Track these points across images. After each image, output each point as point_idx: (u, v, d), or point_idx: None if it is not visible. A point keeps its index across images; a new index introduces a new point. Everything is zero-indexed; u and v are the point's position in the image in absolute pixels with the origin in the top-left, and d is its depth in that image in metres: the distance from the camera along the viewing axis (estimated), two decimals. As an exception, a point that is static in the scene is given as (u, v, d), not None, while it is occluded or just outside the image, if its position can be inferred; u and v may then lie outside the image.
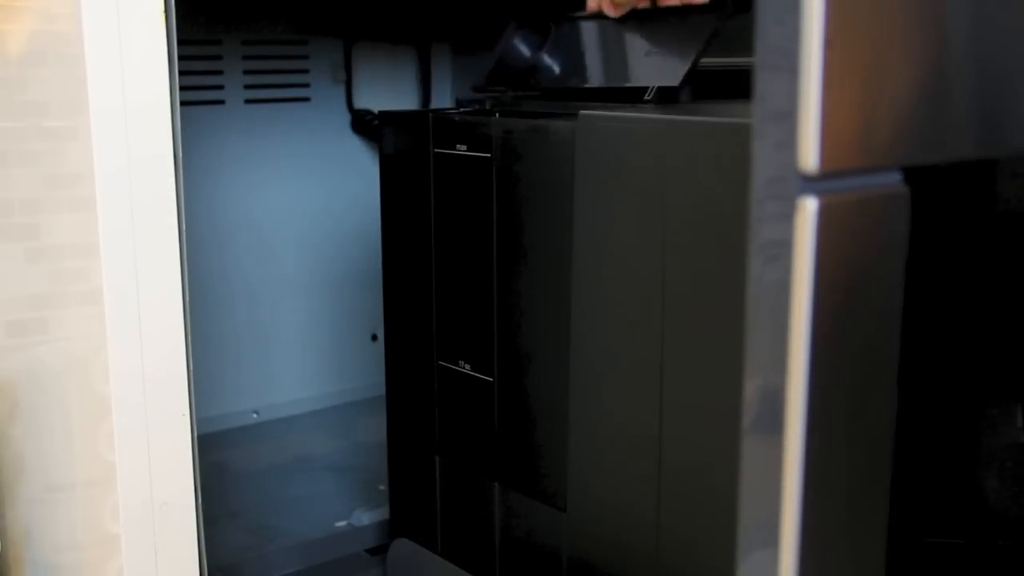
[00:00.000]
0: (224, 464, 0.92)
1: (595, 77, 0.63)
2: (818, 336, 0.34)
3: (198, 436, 0.57)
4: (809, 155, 0.32)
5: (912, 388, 0.41)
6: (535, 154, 0.56)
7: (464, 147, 0.61)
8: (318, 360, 1.07)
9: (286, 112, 1.02)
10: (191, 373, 0.56)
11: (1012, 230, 0.55)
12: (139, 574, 0.56)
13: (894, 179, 0.35)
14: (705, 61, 0.59)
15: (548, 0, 0.66)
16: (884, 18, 0.33)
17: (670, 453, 0.50)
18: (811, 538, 0.35)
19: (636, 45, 0.61)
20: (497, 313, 0.60)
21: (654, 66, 0.59)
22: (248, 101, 0.99)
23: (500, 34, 0.68)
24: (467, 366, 0.63)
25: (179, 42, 0.54)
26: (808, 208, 0.33)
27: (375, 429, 0.83)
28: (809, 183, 0.33)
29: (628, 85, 0.60)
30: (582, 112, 0.53)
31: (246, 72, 0.99)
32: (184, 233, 0.55)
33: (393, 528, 0.72)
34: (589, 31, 0.64)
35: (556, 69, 0.65)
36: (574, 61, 0.64)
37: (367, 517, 0.81)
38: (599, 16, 0.63)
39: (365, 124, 1.06)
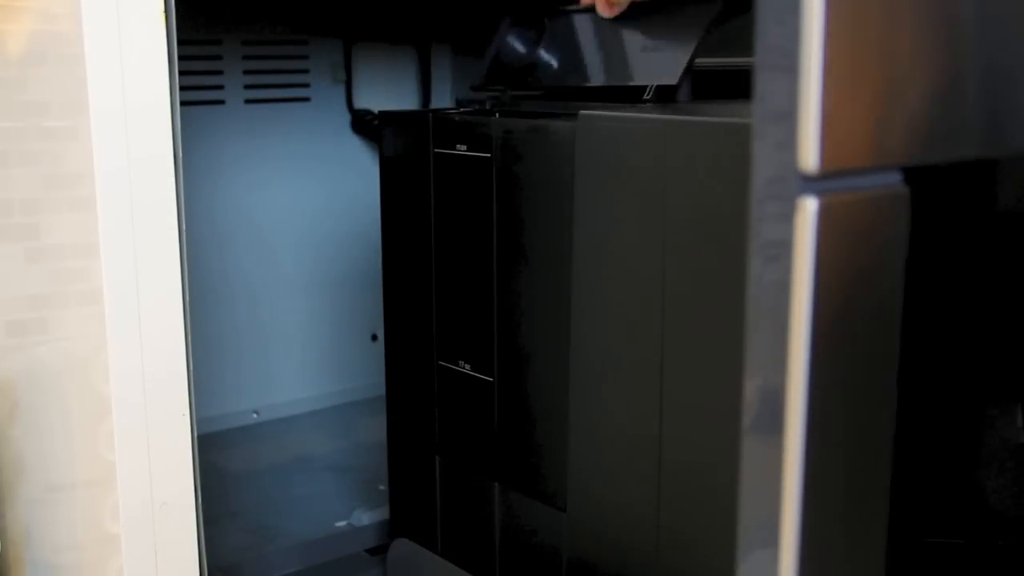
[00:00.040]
0: (224, 464, 0.92)
1: (592, 75, 0.63)
2: (818, 336, 0.34)
3: (198, 436, 0.57)
4: (809, 155, 0.32)
5: (912, 388, 0.41)
6: (535, 154, 0.56)
7: (464, 147, 0.61)
8: (318, 360, 1.07)
9: (286, 112, 1.02)
10: (191, 373, 0.56)
11: (1012, 230, 0.55)
12: (139, 574, 0.56)
13: (894, 179, 0.35)
14: (705, 61, 0.59)
15: None
16: (884, 18, 0.33)
17: (670, 453, 0.50)
18: (811, 538, 0.35)
19: (631, 40, 0.61)
20: (497, 313, 0.60)
21: (652, 63, 0.59)
22: (248, 101, 0.99)
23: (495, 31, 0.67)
24: (467, 366, 0.63)
25: (179, 42, 0.54)
26: (808, 208, 0.33)
27: (375, 429, 0.83)
28: (809, 183, 0.33)
29: (626, 84, 0.60)
30: (582, 112, 0.53)
31: (246, 72, 0.99)
32: (184, 233, 0.55)
33: (393, 528, 0.72)
34: (584, 26, 0.64)
35: (553, 67, 0.65)
36: (571, 58, 0.64)
37: (367, 517, 0.81)
38: (592, 8, 0.63)
39: (365, 124, 1.06)
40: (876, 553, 0.38)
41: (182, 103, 0.54)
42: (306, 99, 1.03)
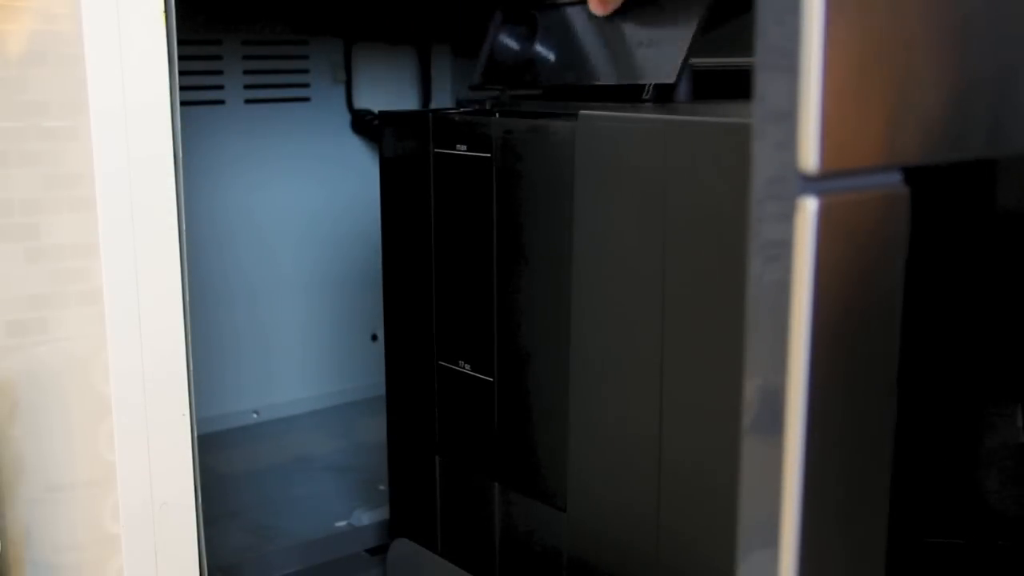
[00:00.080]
0: (224, 464, 0.92)
1: (588, 73, 0.62)
2: (818, 336, 0.34)
3: (198, 436, 0.57)
4: (809, 155, 0.32)
5: (912, 388, 0.41)
6: (535, 154, 0.56)
7: (464, 147, 0.61)
8: (318, 360, 1.07)
9: (286, 112, 1.02)
10: (191, 373, 0.56)
11: (1012, 230, 0.55)
12: (139, 574, 0.56)
13: (894, 179, 0.35)
14: (705, 61, 0.59)
15: None
16: (884, 18, 0.33)
17: (670, 453, 0.50)
18: (811, 538, 0.35)
19: (626, 36, 0.60)
20: (497, 313, 0.60)
21: (648, 59, 0.59)
22: (248, 101, 0.99)
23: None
24: (467, 366, 0.63)
25: (179, 42, 0.54)
26: (808, 208, 0.33)
27: (375, 429, 0.83)
28: (809, 183, 0.33)
29: (623, 82, 0.60)
30: (582, 112, 0.53)
31: (246, 72, 0.99)
32: (184, 233, 0.55)
33: (393, 528, 0.72)
34: (577, 21, 0.63)
35: (548, 65, 0.64)
36: (566, 56, 0.64)
37: (367, 517, 0.81)
38: (583, 1, 0.62)
39: (365, 124, 1.06)
40: (876, 553, 0.38)
41: (182, 103, 0.54)
42: (306, 99, 1.03)
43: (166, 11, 0.53)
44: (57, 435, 0.54)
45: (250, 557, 0.76)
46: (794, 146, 0.33)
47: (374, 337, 1.09)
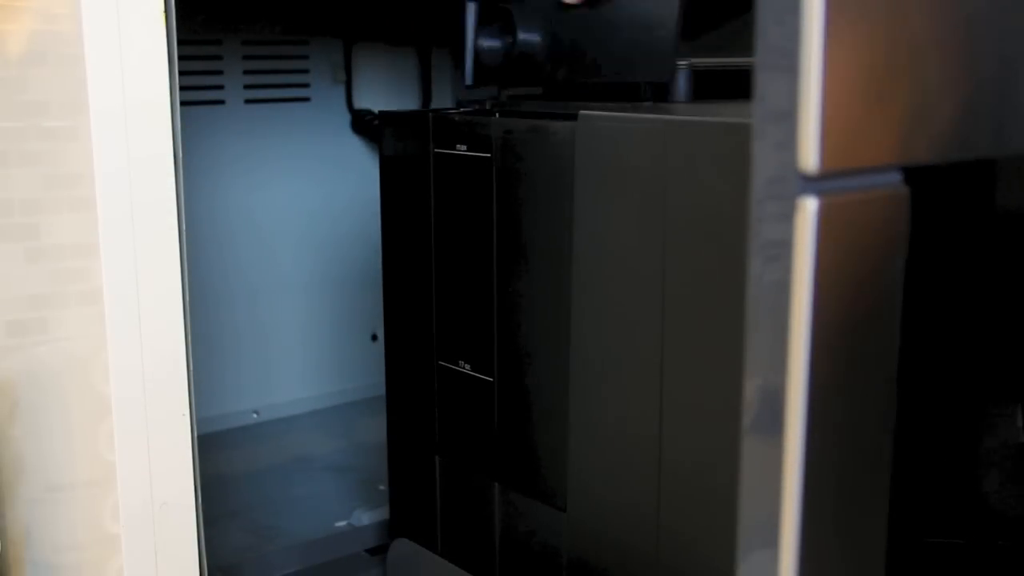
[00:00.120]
0: (224, 464, 0.92)
1: (580, 72, 0.62)
2: (818, 336, 0.34)
3: (198, 436, 0.57)
4: (809, 155, 0.32)
5: (912, 388, 0.41)
6: (535, 154, 0.56)
7: (464, 147, 0.61)
8: (318, 360, 1.07)
9: (286, 112, 1.02)
10: (191, 373, 0.56)
11: (1012, 230, 0.55)
12: (139, 574, 0.56)
13: (894, 179, 0.35)
14: (705, 61, 0.59)
15: None
16: (884, 18, 0.33)
17: (670, 453, 0.50)
18: (811, 538, 0.35)
19: (609, 28, 0.60)
20: (497, 313, 0.60)
21: (639, 54, 0.58)
22: (248, 101, 0.99)
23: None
24: (467, 366, 0.63)
25: (179, 42, 0.54)
26: (808, 208, 0.33)
27: (375, 429, 0.83)
28: (809, 183, 0.33)
29: (617, 81, 0.60)
30: (582, 112, 0.53)
31: (246, 72, 0.99)
32: (184, 233, 0.55)
33: (393, 528, 0.72)
34: (554, 13, 0.63)
35: (536, 63, 0.64)
36: (552, 52, 0.63)
37: (367, 517, 0.81)
38: None
39: (365, 124, 1.06)
40: (876, 553, 0.38)
41: (182, 103, 0.54)
42: (306, 99, 1.03)
43: (166, 11, 0.53)
44: (57, 435, 0.54)
45: (250, 557, 0.76)
46: (794, 146, 0.33)
47: (374, 337, 1.09)
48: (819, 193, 0.33)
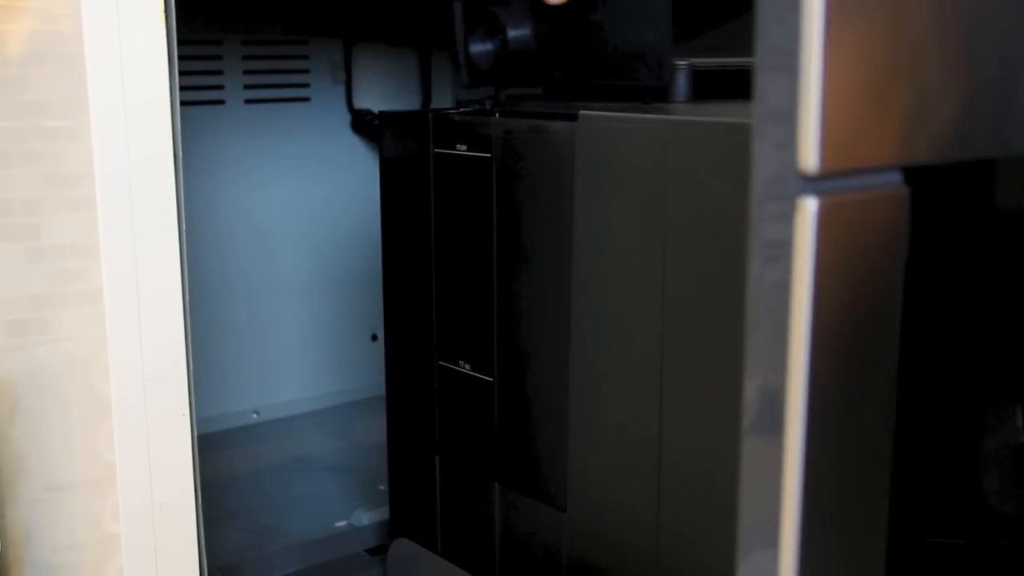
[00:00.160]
0: (224, 464, 0.92)
1: (572, 73, 0.62)
2: (818, 336, 0.34)
3: (198, 436, 0.57)
4: (809, 155, 0.32)
5: (912, 388, 0.41)
6: (535, 154, 0.56)
7: (464, 147, 0.61)
8: (318, 360, 1.07)
9: (286, 112, 1.02)
10: (191, 373, 0.56)
11: (1012, 230, 0.55)
12: (139, 574, 0.56)
13: (894, 179, 0.35)
14: (705, 61, 0.59)
15: None
16: (884, 18, 0.33)
17: (670, 453, 0.50)
18: (811, 538, 0.35)
19: (599, 29, 0.60)
20: (497, 313, 0.60)
21: (630, 55, 0.58)
22: (248, 101, 0.99)
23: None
24: (467, 366, 0.63)
25: (179, 42, 0.54)
26: (808, 208, 0.33)
27: (375, 429, 0.83)
28: (809, 183, 0.33)
29: (614, 83, 0.60)
30: (582, 112, 0.53)
31: (246, 72, 0.99)
32: (184, 233, 0.55)
33: (393, 528, 0.72)
34: (540, 15, 0.62)
35: (529, 67, 0.64)
36: (543, 53, 0.63)
37: (367, 517, 0.81)
38: None
39: (365, 124, 1.06)
40: (876, 553, 0.38)
41: (182, 103, 0.54)
42: (306, 99, 1.03)
43: (166, 11, 0.53)
44: (57, 435, 0.54)
45: (250, 557, 0.76)
46: (794, 146, 0.33)
47: (374, 337, 1.09)
48: (819, 193, 0.33)
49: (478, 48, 0.65)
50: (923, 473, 0.56)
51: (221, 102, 0.98)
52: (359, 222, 1.04)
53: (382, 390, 0.71)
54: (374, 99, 1.07)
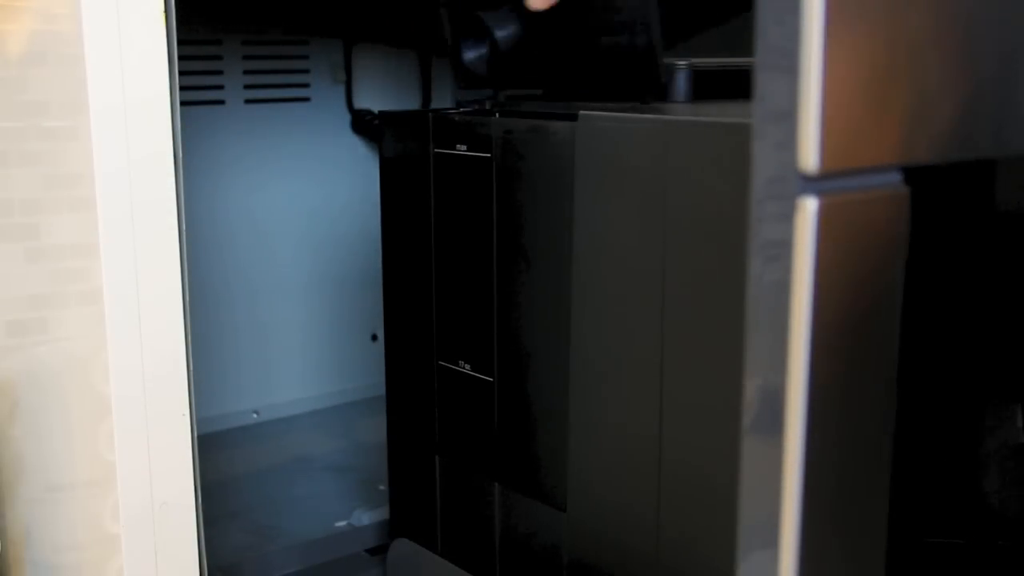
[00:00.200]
0: (224, 464, 0.92)
1: (564, 74, 0.62)
2: (818, 336, 0.34)
3: (198, 436, 0.57)
4: (809, 155, 0.32)
5: (912, 388, 0.41)
6: (535, 154, 0.56)
7: (464, 147, 0.61)
8: (318, 360, 1.07)
9: (286, 112, 1.02)
10: (191, 373, 0.56)
11: (1012, 230, 0.55)
12: (139, 574, 0.56)
13: (894, 179, 0.35)
14: (705, 61, 0.59)
15: None
16: (884, 18, 0.33)
17: (670, 453, 0.50)
18: (811, 538, 0.35)
19: (585, 32, 0.60)
20: (497, 313, 0.60)
21: (620, 56, 0.58)
22: (248, 101, 0.99)
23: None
24: (467, 366, 0.63)
25: (179, 42, 0.54)
26: (808, 208, 0.33)
27: (375, 429, 0.83)
28: (809, 183, 0.33)
29: (605, 83, 0.60)
30: (582, 112, 0.53)
31: (246, 72, 0.99)
32: (184, 233, 0.55)
33: (393, 528, 0.72)
34: (527, 16, 0.62)
35: (520, 69, 0.64)
36: (535, 56, 0.63)
37: (367, 517, 0.81)
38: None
39: (365, 124, 1.06)
40: (876, 553, 0.38)
41: (182, 103, 0.54)
42: (306, 99, 1.03)
43: (166, 11, 0.53)
44: (57, 435, 0.54)
45: (250, 557, 0.77)
46: (794, 146, 0.33)
47: (374, 337, 1.09)
48: (819, 193, 0.33)
49: (469, 51, 0.65)
50: (923, 473, 0.56)
51: (221, 102, 0.98)
52: (359, 222, 1.04)
53: (382, 390, 0.71)
54: (374, 99, 1.07)
